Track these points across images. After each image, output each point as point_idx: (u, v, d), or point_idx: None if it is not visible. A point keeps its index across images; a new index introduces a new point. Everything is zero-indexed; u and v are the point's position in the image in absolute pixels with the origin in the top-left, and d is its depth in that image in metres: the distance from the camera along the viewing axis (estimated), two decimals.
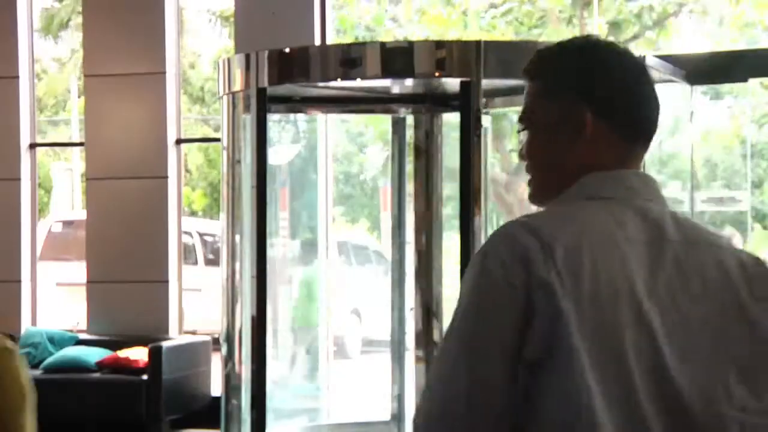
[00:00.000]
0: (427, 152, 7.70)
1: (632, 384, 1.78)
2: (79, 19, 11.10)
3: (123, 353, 8.72)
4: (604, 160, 1.99)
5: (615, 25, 13.37)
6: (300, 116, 8.17)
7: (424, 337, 7.21)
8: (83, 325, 9.78)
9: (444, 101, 7.46)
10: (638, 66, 2.07)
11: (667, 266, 1.89)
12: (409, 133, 8.00)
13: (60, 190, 21.45)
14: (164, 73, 9.40)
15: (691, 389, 1.81)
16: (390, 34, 13.80)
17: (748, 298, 1.94)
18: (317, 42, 8.90)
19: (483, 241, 4.39)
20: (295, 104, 7.39)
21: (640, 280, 1.85)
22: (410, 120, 8.02)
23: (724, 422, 1.83)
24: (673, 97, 8.03)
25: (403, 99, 7.73)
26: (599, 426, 1.74)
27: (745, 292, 1.94)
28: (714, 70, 7.59)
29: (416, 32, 13.61)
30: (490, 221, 7.46)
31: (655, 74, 6.94)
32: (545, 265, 1.81)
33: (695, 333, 1.87)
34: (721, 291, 1.92)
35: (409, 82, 7.10)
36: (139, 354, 8.67)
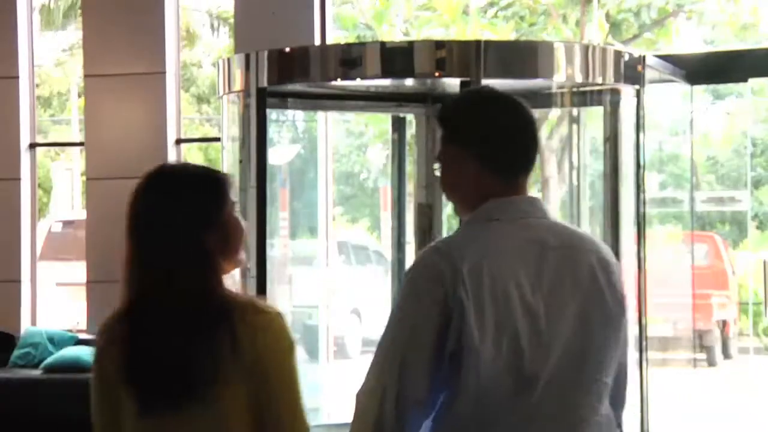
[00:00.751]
0: (426, 152, 7.71)
1: (521, 357, 2.50)
2: (80, 18, 11.10)
3: None
4: (497, 189, 2.62)
5: (614, 26, 13.38)
6: (300, 115, 8.16)
7: None
8: (83, 325, 9.78)
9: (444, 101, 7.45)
10: (522, 115, 2.67)
11: (548, 268, 2.56)
12: (410, 132, 8.01)
13: (60, 190, 21.44)
14: (164, 73, 9.39)
15: (561, 358, 2.53)
16: (390, 33, 13.80)
17: (606, 286, 2.63)
18: (317, 42, 8.89)
19: None
20: (298, 101, 7.39)
21: (527, 282, 2.53)
22: (410, 118, 8.02)
23: (582, 379, 2.57)
24: (673, 97, 8.03)
25: (404, 98, 7.73)
26: (489, 388, 2.49)
27: (604, 281, 2.62)
28: (714, 69, 7.59)
29: (416, 30, 13.61)
30: None
31: (654, 74, 6.95)
32: (455, 283, 2.48)
33: (568, 317, 2.56)
34: (587, 284, 2.60)
35: (409, 81, 7.11)
36: None
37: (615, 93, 7.00)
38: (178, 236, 2.56)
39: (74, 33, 18.90)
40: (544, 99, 7.34)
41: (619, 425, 2.74)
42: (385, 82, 6.94)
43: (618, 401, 2.73)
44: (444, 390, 2.53)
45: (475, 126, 2.64)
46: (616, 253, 7.14)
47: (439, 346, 2.50)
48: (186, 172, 2.73)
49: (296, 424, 2.64)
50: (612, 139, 7.11)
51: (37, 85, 12.40)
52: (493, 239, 2.58)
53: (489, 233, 2.59)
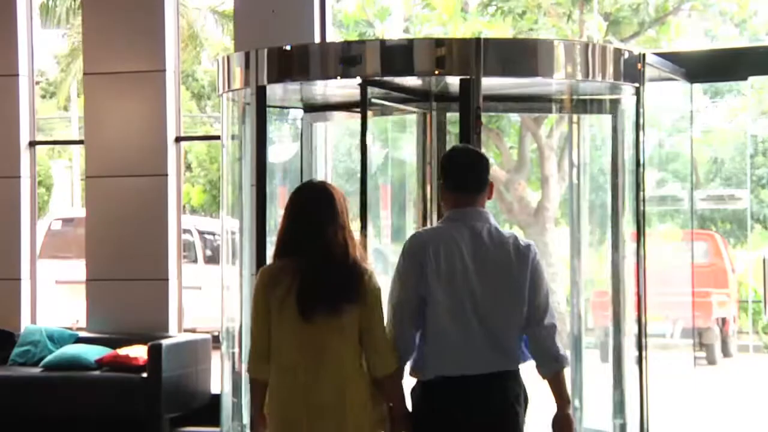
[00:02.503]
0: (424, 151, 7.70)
1: (463, 306, 4.17)
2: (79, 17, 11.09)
3: (123, 351, 8.71)
4: (458, 203, 4.29)
5: (614, 23, 13.36)
6: (299, 114, 8.15)
7: None
8: (83, 323, 9.77)
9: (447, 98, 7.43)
10: (474, 157, 4.42)
11: (481, 254, 4.21)
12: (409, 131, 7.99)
13: (60, 187, 21.45)
14: (164, 70, 9.39)
15: (487, 307, 4.18)
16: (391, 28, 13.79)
17: (516, 263, 4.22)
18: (317, 40, 8.88)
19: None
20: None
21: (468, 258, 4.19)
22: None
23: (501, 322, 4.19)
24: (674, 95, 8.02)
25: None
26: (444, 331, 4.15)
27: (514, 259, 4.22)
28: (714, 67, 7.58)
29: (416, 26, 13.60)
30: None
31: (654, 72, 6.95)
32: (425, 256, 4.17)
33: (492, 284, 4.19)
34: (504, 265, 4.21)
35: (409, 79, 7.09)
36: (138, 352, 8.66)
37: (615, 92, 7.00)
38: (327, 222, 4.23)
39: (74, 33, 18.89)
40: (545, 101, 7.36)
41: (550, 336, 4.24)
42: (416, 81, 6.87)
43: (535, 315, 4.22)
44: (420, 325, 4.24)
45: (445, 167, 4.40)
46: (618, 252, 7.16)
47: (418, 293, 4.19)
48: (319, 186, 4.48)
49: (382, 335, 4.19)
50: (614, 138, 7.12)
51: (37, 83, 12.40)
52: (449, 232, 4.26)
53: (448, 228, 4.29)
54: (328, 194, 4.23)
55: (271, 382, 4.20)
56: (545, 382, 4.25)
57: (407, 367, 4.27)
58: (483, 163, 4.35)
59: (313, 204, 4.22)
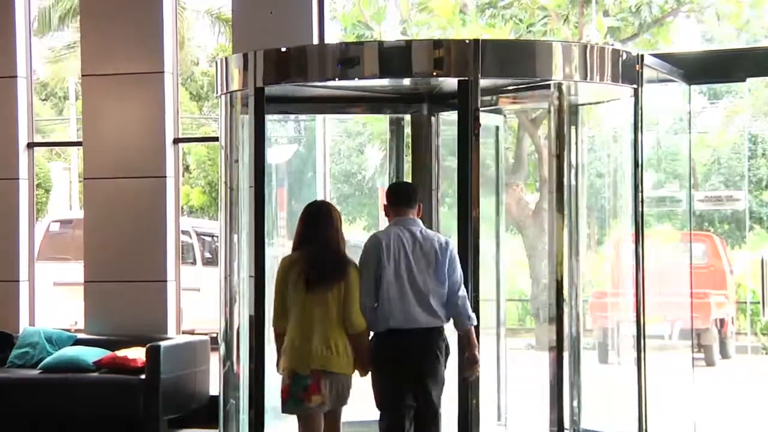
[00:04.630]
0: (424, 151, 7.71)
1: (402, 282, 5.94)
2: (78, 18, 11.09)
3: (121, 353, 8.71)
4: (399, 214, 6.12)
5: (612, 26, 13.36)
6: (298, 115, 8.16)
7: None
8: (81, 325, 9.77)
9: (443, 100, 7.44)
10: (405, 185, 6.87)
11: (416, 245, 6.00)
12: (406, 132, 8.00)
13: (58, 189, 21.43)
14: (162, 72, 9.39)
15: (419, 282, 5.94)
16: (390, 30, 13.80)
17: (439, 253, 5.98)
18: (315, 41, 8.89)
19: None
20: (295, 104, 7.39)
21: (408, 250, 5.98)
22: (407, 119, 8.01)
23: (428, 292, 5.94)
24: (672, 97, 8.02)
25: (402, 98, 7.73)
26: (391, 298, 5.92)
27: (438, 250, 5.98)
28: (712, 69, 7.59)
29: (417, 27, 13.59)
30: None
31: (652, 73, 6.95)
32: (380, 248, 5.96)
33: (422, 266, 5.97)
34: (431, 254, 5.98)
35: (407, 81, 7.10)
36: (137, 353, 8.66)
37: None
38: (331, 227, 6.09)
39: (72, 33, 18.88)
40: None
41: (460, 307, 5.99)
42: (384, 82, 6.92)
43: (452, 289, 5.99)
44: (376, 299, 5.95)
45: (392, 192, 6.30)
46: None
47: (376, 274, 5.92)
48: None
49: (356, 305, 5.92)
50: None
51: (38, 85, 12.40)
52: (395, 232, 6.02)
53: (395, 230, 6.04)
54: (327, 209, 6.17)
55: (288, 332, 6.03)
56: (460, 336, 6.04)
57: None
58: (413, 190, 6.34)
59: (317, 214, 6.12)
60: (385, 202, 6.24)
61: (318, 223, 6.04)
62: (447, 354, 6.02)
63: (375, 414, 6.05)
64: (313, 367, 5.88)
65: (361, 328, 5.90)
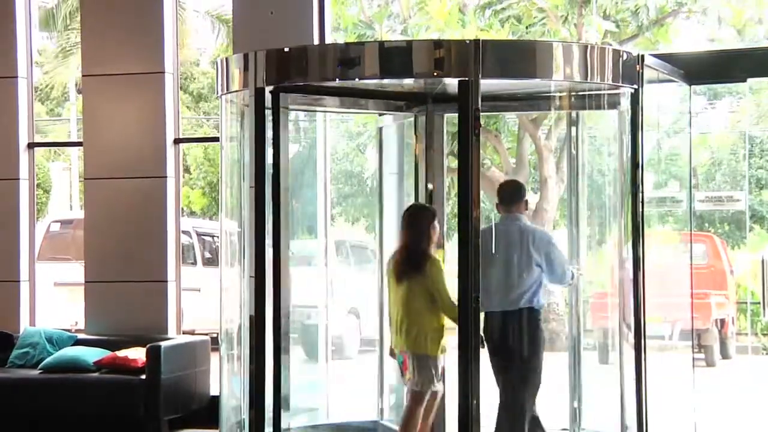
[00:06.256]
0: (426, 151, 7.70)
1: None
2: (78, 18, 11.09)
3: (121, 353, 8.71)
4: (505, 210, 7.05)
5: (611, 31, 13.36)
6: (298, 115, 8.15)
7: None
8: (82, 325, 9.77)
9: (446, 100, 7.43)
10: (513, 186, 7.59)
11: (514, 237, 6.91)
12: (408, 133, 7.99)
13: (58, 189, 21.43)
14: (163, 72, 9.39)
15: (505, 269, 6.90)
16: (389, 30, 13.79)
17: (531, 245, 6.87)
18: (316, 41, 8.89)
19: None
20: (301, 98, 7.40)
21: (513, 241, 6.91)
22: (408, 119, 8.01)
23: (514, 286, 6.87)
24: (672, 97, 8.02)
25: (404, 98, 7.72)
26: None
27: (531, 242, 6.89)
28: (713, 69, 7.58)
29: (416, 28, 13.59)
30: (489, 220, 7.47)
31: (653, 74, 6.94)
32: (488, 239, 6.86)
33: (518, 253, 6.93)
34: (526, 242, 6.90)
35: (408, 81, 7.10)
36: (137, 354, 8.66)
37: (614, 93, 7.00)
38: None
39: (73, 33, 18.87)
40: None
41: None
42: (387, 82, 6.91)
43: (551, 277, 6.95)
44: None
45: (499, 193, 7.09)
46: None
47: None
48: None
49: (446, 295, 6.62)
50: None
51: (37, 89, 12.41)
52: (500, 225, 6.96)
53: (499, 223, 7.03)
54: (416, 212, 6.96)
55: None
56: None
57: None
58: (517, 190, 7.13)
59: (407, 217, 6.93)
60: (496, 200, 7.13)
61: (409, 225, 6.82)
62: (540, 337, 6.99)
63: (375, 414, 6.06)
64: (401, 349, 6.75)
65: (453, 315, 6.40)
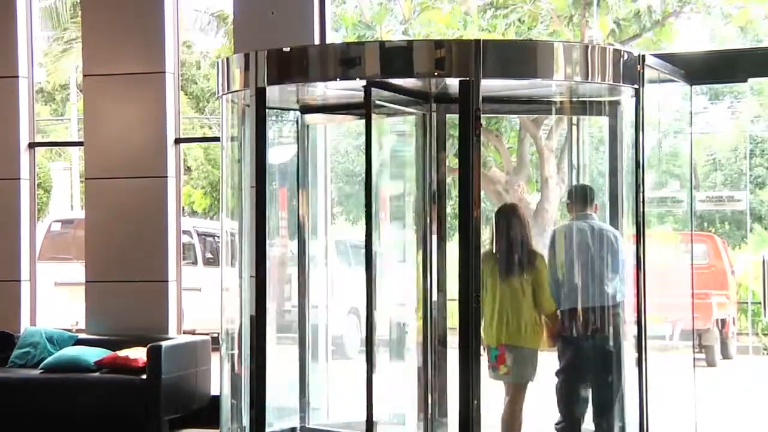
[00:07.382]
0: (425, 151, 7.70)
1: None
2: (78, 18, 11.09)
3: (122, 353, 8.72)
4: (577, 210, 7.29)
5: (614, 25, 13.35)
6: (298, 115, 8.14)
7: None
8: (82, 325, 9.78)
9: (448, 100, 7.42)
10: (581, 189, 7.51)
11: (594, 239, 7.12)
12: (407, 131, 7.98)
13: (59, 189, 21.42)
14: (164, 72, 9.39)
15: (582, 271, 7.14)
16: (390, 31, 13.79)
17: (615, 241, 7.09)
18: (316, 41, 8.89)
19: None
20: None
21: (586, 239, 7.14)
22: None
23: (594, 285, 7.12)
24: (673, 97, 8.01)
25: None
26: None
27: (606, 241, 7.11)
28: (713, 69, 7.58)
29: (417, 29, 13.59)
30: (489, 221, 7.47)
31: (654, 74, 6.94)
32: (561, 238, 7.34)
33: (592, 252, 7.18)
34: (600, 241, 7.14)
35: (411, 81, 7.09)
36: (138, 353, 8.66)
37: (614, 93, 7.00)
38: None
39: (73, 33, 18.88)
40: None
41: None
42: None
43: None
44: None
45: (569, 195, 7.51)
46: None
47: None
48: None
49: (546, 290, 7.03)
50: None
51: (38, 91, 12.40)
52: (574, 225, 7.29)
53: (574, 223, 7.33)
54: (514, 212, 7.25)
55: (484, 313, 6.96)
56: None
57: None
58: (588, 192, 7.32)
59: (507, 217, 7.16)
60: (567, 201, 7.46)
61: (512, 223, 7.08)
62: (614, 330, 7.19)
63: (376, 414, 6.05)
64: (499, 342, 6.97)
65: (552, 309, 6.98)
